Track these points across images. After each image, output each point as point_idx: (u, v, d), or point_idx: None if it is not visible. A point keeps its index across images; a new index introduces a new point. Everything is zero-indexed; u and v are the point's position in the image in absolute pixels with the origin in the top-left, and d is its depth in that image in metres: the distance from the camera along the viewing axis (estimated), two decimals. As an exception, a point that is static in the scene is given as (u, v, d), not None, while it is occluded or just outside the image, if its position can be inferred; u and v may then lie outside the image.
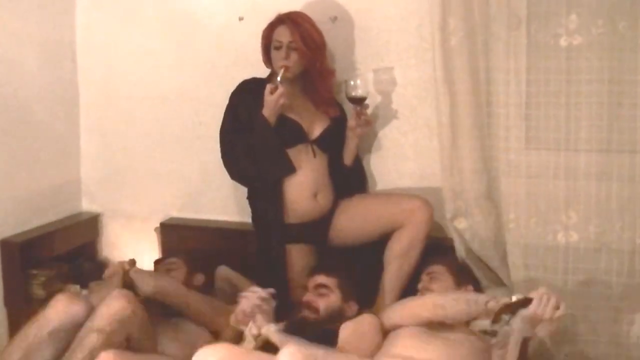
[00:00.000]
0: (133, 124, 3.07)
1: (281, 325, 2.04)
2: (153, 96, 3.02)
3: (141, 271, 2.28)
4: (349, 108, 2.63)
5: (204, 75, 2.93)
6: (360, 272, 2.44)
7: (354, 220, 2.56)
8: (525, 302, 1.92)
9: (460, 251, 2.54)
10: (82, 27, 3.06)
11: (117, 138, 3.10)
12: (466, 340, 2.05)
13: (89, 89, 3.10)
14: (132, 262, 2.31)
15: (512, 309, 1.93)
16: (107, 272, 2.29)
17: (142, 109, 3.04)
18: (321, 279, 2.30)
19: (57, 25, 2.99)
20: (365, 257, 2.55)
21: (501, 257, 2.50)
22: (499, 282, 2.52)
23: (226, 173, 2.61)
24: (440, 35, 2.44)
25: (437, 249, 2.49)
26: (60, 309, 1.95)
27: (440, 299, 2.12)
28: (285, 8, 2.56)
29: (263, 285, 2.20)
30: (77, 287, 2.77)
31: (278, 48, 2.49)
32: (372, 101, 2.66)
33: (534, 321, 1.91)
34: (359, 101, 2.52)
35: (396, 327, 2.14)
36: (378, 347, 2.09)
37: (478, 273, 2.52)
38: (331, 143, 2.61)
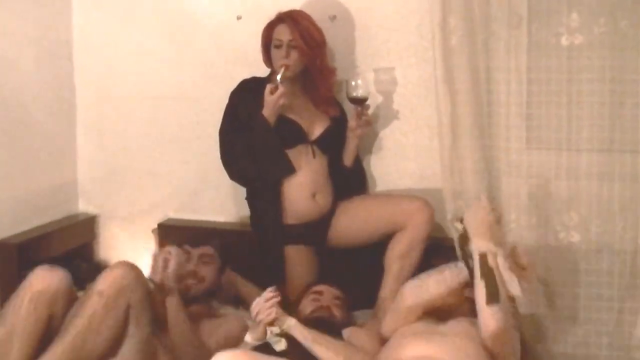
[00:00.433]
0: (130, 123, 3.05)
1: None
2: (151, 96, 3.00)
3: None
4: (348, 108, 2.61)
5: (202, 74, 2.92)
6: (360, 273, 2.43)
7: (354, 221, 2.54)
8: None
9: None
10: (79, 25, 3.04)
11: (114, 138, 3.08)
12: (466, 331, 2.02)
13: (86, 89, 3.08)
14: None
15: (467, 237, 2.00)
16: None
17: (140, 109, 3.03)
18: (339, 293, 2.34)
19: (54, 23, 2.97)
20: (365, 259, 2.54)
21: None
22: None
23: (224, 173, 2.59)
24: (440, 34, 2.42)
25: (437, 249, 2.47)
26: (38, 278, 1.98)
27: (414, 281, 2.14)
28: (284, 7, 2.55)
29: (263, 287, 2.20)
30: (74, 288, 2.75)
31: (278, 47, 2.47)
32: (373, 101, 2.64)
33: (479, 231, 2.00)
34: (360, 101, 2.51)
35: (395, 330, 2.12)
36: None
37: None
38: (331, 143, 2.60)
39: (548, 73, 2.35)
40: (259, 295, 2.41)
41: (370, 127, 2.64)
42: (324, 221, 2.57)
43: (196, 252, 2.38)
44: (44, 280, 1.98)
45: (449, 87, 2.44)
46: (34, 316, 1.95)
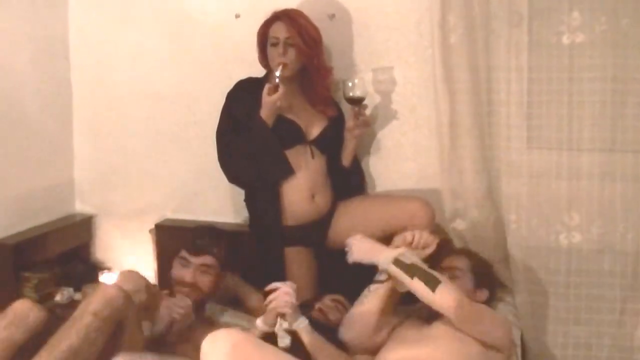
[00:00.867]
0: (127, 123, 3.03)
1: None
2: (148, 95, 2.98)
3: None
4: (347, 108, 2.59)
5: (199, 73, 2.89)
6: (360, 275, 2.41)
7: (354, 222, 2.52)
8: None
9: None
10: (75, 24, 3.02)
11: (111, 138, 3.06)
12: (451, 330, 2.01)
13: (82, 88, 3.05)
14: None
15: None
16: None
17: (137, 108, 3.00)
18: (340, 298, 2.33)
19: (50, 22, 2.94)
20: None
21: (502, 258, 2.47)
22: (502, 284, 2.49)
23: (222, 173, 2.57)
24: (439, 33, 2.42)
25: (438, 250, 2.44)
26: (19, 309, 1.94)
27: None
28: (282, 5, 2.53)
29: (262, 288, 2.19)
30: (71, 289, 2.75)
31: (275, 45, 2.45)
32: (371, 101, 2.62)
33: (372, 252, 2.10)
34: (357, 102, 2.48)
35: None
36: None
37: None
38: (329, 143, 2.58)
39: (549, 72, 2.35)
40: (257, 296, 2.41)
41: (369, 128, 2.62)
42: (323, 222, 2.55)
43: (196, 261, 2.33)
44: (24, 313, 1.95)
45: (448, 86, 2.44)
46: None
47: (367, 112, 2.56)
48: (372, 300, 2.12)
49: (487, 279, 2.24)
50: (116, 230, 3.08)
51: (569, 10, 2.29)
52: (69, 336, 1.89)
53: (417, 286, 1.94)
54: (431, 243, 2.17)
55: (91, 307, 1.92)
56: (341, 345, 2.12)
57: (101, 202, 3.10)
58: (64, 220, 3.01)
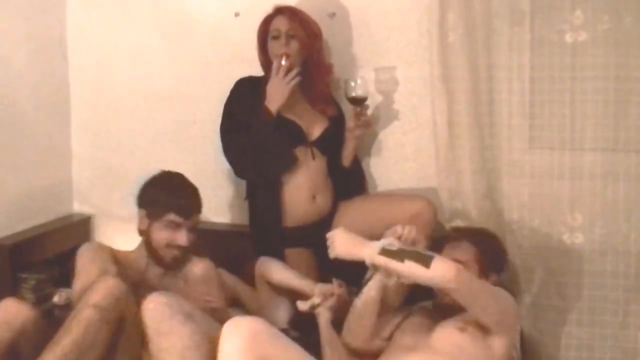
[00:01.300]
0: (126, 123, 3.01)
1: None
2: (146, 94, 2.97)
3: None
4: (347, 108, 2.57)
5: (198, 72, 2.88)
6: (361, 276, 2.40)
7: (355, 222, 2.49)
8: None
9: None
10: (74, 22, 3.00)
11: (109, 137, 3.05)
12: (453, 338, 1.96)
13: (81, 87, 3.04)
14: None
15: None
16: None
17: (136, 108, 2.99)
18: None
19: (48, 20, 2.93)
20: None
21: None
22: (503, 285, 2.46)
23: (222, 173, 2.57)
24: (438, 32, 2.42)
25: (440, 250, 2.42)
26: (11, 311, 1.93)
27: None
28: (282, 3, 2.52)
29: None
30: (69, 290, 2.71)
31: (276, 37, 2.45)
32: (372, 101, 2.60)
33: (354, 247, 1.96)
34: (359, 102, 2.46)
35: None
36: None
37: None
38: (330, 144, 2.56)
39: (551, 71, 2.33)
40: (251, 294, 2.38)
41: (370, 128, 2.60)
42: (324, 223, 2.53)
43: (187, 223, 2.22)
44: (9, 312, 1.93)
45: (447, 85, 2.43)
46: None
47: (368, 112, 2.54)
48: (365, 304, 2.09)
49: (494, 263, 2.14)
50: (114, 231, 3.04)
51: (572, 9, 2.28)
52: (70, 331, 1.89)
53: (410, 268, 1.79)
54: (420, 241, 2.06)
55: (91, 300, 1.90)
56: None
57: (99, 202, 3.08)
58: (62, 220, 2.99)
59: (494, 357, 1.90)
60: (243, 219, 2.74)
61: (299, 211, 2.48)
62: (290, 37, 2.42)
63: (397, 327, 2.12)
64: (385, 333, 2.13)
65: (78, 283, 2.10)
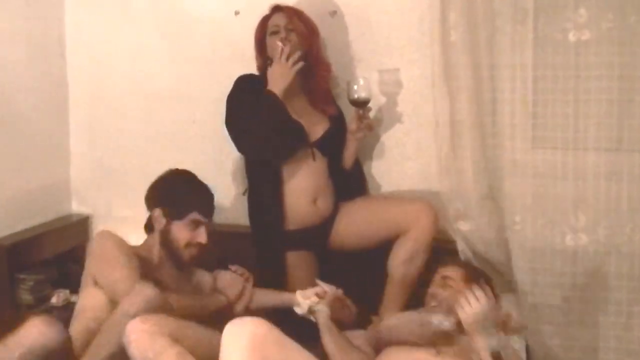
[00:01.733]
0: (125, 122, 3.00)
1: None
2: (145, 93, 2.95)
3: None
4: (348, 109, 2.55)
5: (198, 71, 2.87)
6: (363, 279, 2.39)
7: (356, 225, 2.49)
8: None
9: (465, 253, 2.48)
10: (72, 21, 2.99)
11: (108, 137, 3.03)
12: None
13: (79, 86, 3.03)
14: None
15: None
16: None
17: (134, 107, 2.98)
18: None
19: (46, 19, 2.92)
20: (368, 264, 2.48)
21: (506, 259, 2.44)
22: (506, 286, 2.46)
23: (221, 173, 2.57)
24: (439, 30, 2.40)
25: (441, 252, 2.41)
26: (34, 332, 1.80)
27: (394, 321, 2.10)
28: (282, 1, 2.51)
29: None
30: (67, 291, 2.71)
31: (276, 32, 2.44)
32: (374, 101, 2.56)
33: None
34: (362, 104, 2.44)
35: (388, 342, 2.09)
36: None
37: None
38: (331, 145, 2.54)
39: (554, 70, 2.31)
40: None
41: (372, 131, 2.57)
42: (325, 226, 2.52)
43: (207, 222, 2.24)
44: (39, 339, 1.78)
45: (449, 84, 2.41)
46: None
47: (371, 114, 2.51)
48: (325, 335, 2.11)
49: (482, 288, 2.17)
50: (113, 231, 3.04)
51: (575, 7, 2.26)
52: (109, 344, 1.86)
53: None
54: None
55: (131, 310, 1.88)
56: None
57: (98, 202, 3.07)
58: (60, 220, 2.99)
59: None
60: (243, 219, 2.72)
61: (300, 214, 2.47)
62: (289, 30, 2.42)
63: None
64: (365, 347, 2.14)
65: (104, 269, 2.08)
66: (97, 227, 3.06)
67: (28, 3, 2.78)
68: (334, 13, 2.65)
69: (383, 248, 2.43)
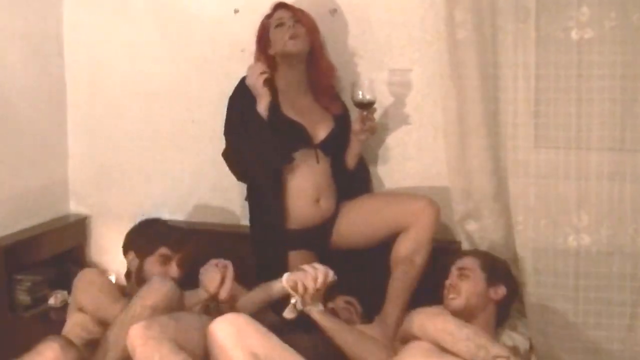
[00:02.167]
0: (123, 122, 2.99)
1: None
2: (144, 93, 2.94)
3: None
4: (353, 108, 2.52)
5: (197, 70, 2.85)
6: (365, 277, 2.39)
7: (357, 222, 2.48)
8: None
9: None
10: (70, 20, 2.98)
11: (106, 137, 3.02)
12: None
13: (77, 85, 3.02)
14: None
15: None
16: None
17: (133, 107, 2.97)
18: (352, 300, 2.38)
19: (43, 18, 2.91)
20: (370, 262, 2.47)
21: (512, 260, 2.42)
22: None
23: (220, 173, 2.56)
24: (446, 29, 2.38)
25: (444, 252, 2.40)
26: (49, 357, 1.80)
27: (454, 328, 1.97)
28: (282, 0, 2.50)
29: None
30: (65, 292, 2.70)
31: (281, 24, 2.43)
32: (378, 103, 2.52)
33: None
34: (366, 106, 2.41)
35: (411, 336, 2.06)
36: None
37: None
38: (335, 146, 2.53)
39: (557, 69, 2.29)
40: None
41: (375, 133, 2.54)
42: (327, 225, 2.51)
43: (177, 256, 2.29)
44: None
45: (455, 83, 2.39)
46: None
47: (375, 116, 2.48)
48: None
49: (500, 274, 2.19)
50: (111, 232, 3.03)
51: (578, 6, 2.24)
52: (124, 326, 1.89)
53: None
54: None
55: (149, 302, 1.95)
56: None
57: (96, 202, 3.06)
58: (58, 221, 2.98)
59: None
60: (243, 219, 2.71)
61: (303, 214, 2.46)
62: (295, 21, 2.42)
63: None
64: None
65: (90, 291, 2.18)
66: (95, 227, 3.06)
67: (26, 2, 2.78)
68: (334, 11, 2.64)
69: (385, 247, 2.41)
